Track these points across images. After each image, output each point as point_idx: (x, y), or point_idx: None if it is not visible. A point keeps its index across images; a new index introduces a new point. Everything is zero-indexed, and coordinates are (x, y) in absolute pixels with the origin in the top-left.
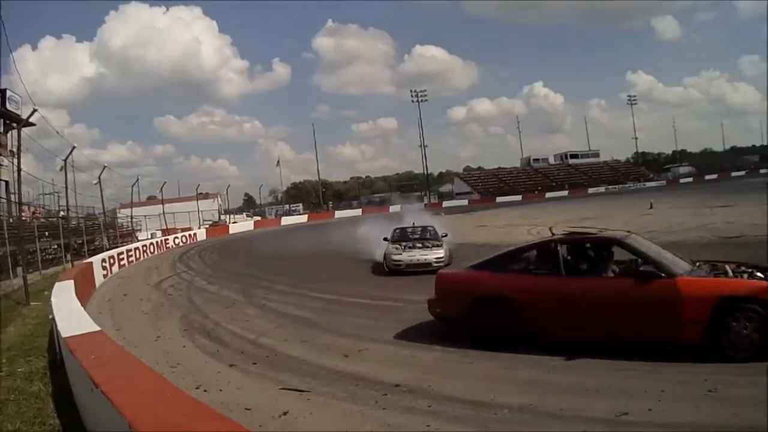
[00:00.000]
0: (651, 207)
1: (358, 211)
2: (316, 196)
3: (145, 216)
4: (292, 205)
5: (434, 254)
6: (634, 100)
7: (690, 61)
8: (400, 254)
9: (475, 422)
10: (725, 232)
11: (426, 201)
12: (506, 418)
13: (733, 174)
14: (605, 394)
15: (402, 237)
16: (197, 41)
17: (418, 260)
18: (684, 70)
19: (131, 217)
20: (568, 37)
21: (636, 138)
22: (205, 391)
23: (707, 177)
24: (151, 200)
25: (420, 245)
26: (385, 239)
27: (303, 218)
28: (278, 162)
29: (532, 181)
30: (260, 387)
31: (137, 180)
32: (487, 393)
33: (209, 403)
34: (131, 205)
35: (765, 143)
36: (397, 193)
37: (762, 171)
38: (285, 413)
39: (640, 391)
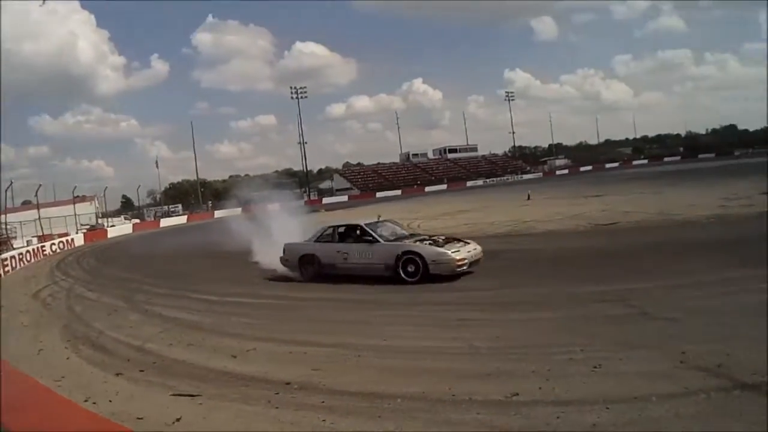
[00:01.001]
0: (528, 198)
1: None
2: (195, 196)
3: (20, 222)
4: (171, 206)
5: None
6: (512, 96)
7: (566, 60)
8: (457, 251)
9: (368, 413)
10: (600, 220)
11: (306, 198)
12: (399, 407)
13: (607, 166)
14: (496, 378)
15: (391, 233)
16: (74, 35)
17: (474, 254)
18: (560, 68)
19: (5, 224)
20: (449, 35)
21: (513, 132)
22: (94, 403)
23: (582, 169)
24: (26, 205)
25: (438, 239)
26: (371, 238)
27: (182, 219)
28: (156, 162)
29: (412, 175)
30: (150, 394)
31: (11, 184)
32: (379, 384)
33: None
34: (5, 211)
35: (637, 136)
36: (275, 191)
37: (634, 162)
38: (178, 419)
39: (529, 372)
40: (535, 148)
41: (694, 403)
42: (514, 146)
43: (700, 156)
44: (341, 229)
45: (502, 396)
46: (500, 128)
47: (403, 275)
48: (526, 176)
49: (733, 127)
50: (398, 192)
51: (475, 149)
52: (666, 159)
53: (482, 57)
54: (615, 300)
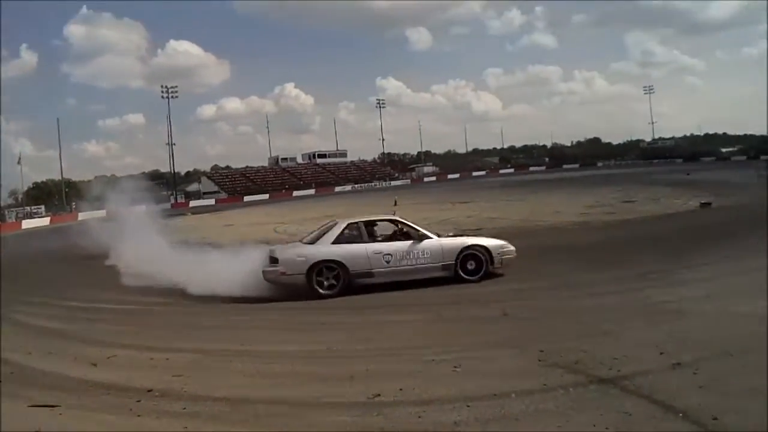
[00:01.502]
0: (395, 204)
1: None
2: (59, 197)
3: None
4: (33, 208)
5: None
6: (383, 104)
7: (439, 71)
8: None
9: (232, 419)
10: (466, 226)
11: (172, 201)
12: (263, 412)
13: (474, 174)
14: (359, 380)
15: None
16: None
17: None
18: (433, 78)
19: None
20: (324, 40)
21: (383, 139)
22: None
23: (450, 176)
24: None
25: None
26: (419, 235)
27: (45, 221)
28: (19, 160)
29: (280, 180)
30: (7, 407)
31: None
32: (243, 389)
33: None
34: None
35: (504, 146)
36: (141, 193)
37: (501, 171)
38: None
39: (392, 373)
40: (404, 155)
41: (552, 399)
42: (383, 153)
43: (565, 166)
44: (370, 226)
45: (364, 397)
46: (370, 135)
47: (463, 274)
48: (394, 182)
49: (597, 140)
50: (266, 196)
51: (344, 155)
52: (532, 168)
53: (356, 64)
54: (476, 302)
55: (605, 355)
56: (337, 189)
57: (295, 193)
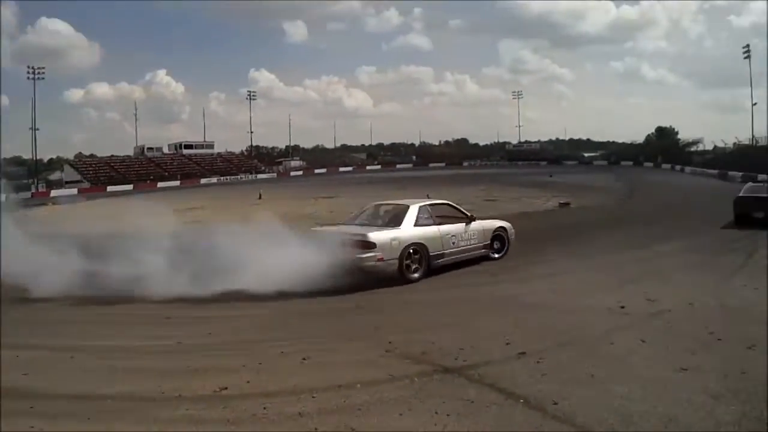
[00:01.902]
0: (260, 197)
1: None
2: None
3: None
4: None
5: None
6: (254, 96)
7: (313, 65)
8: None
9: (78, 416)
10: (328, 220)
11: (33, 189)
12: (108, 408)
13: (341, 169)
14: (204, 373)
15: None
16: None
17: None
18: (306, 73)
19: None
20: (198, 27)
21: (251, 132)
22: None
23: (317, 171)
24: None
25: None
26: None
27: None
28: None
29: (145, 170)
30: None
31: None
32: (87, 385)
33: None
34: None
35: (373, 143)
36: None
37: (368, 168)
38: None
39: (239, 366)
40: (273, 148)
41: (396, 388)
42: (251, 145)
43: (431, 165)
44: (433, 209)
45: (210, 391)
46: (239, 127)
47: (492, 254)
48: (260, 176)
49: (464, 140)
50: (130, 187)
51: (211, 146)
52: (399, 166)
53: (230, 54)
54: (330, 294)
55: (452, 345)
56: (203, 181)
57: (160, 185)
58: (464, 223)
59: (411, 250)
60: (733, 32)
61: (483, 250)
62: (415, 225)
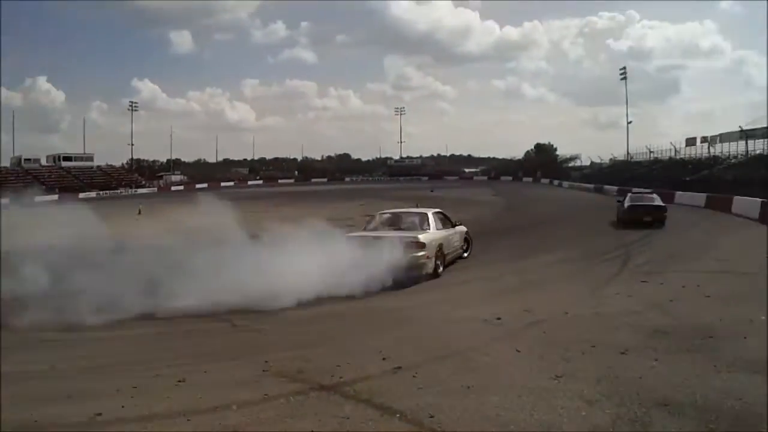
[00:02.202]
0: (139, 213)
1: None
2: None
3: None
4: None
5: None
6: (136, 106)
7: (197, 77)
8: None
9: None
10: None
11: None
12: None
13: (223, 184)
14: (78, 399)
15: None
16: None
17: None
18: (190, 84)
19: None
20: (84, 33)
21: (132, 144)
22: None
23: (198, 186)
24: None
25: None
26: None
27: None
28: None
29: (22, 182)
30: None
31: None
32: None
33: None
34: None
35: (255, 158)
36: None
37: (250, 183)
38: None
39: (113, 390)
40: (154, 161)
41: (272, 408)
42: (132, 158)
43: (314, 180)
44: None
45: (86, 417)
46: (120, 138)
47: (463, 253)
48: (141, 190)
49: (347, 155)
50: (7, 201)
51: (91, 158)
52: (281, 181)
53: (114, 62)
54: (204, 315)
55: (328, 363)
56: (82, 195)
57: (37, 199)
58: (452, 228)
59: (437, 250)
60: (611, 54)
61: (461, 250)
62: (435, 228)
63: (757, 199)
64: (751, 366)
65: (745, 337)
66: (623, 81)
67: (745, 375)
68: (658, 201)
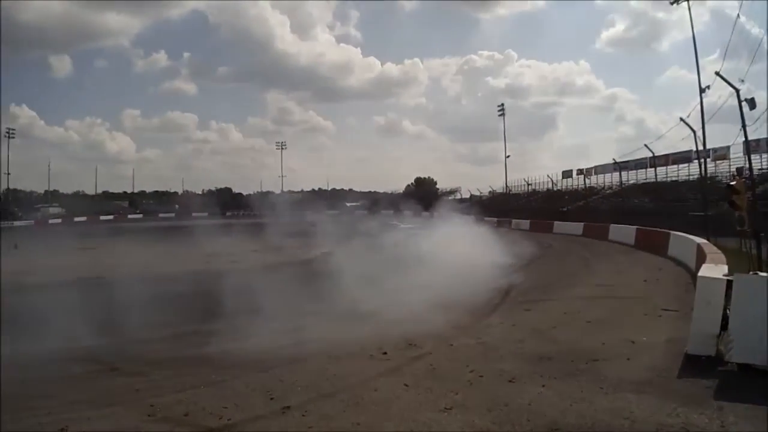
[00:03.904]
0: (16, 247)
1: None
2: None
3: None
4: None
5: None
6: (13, 134)
7: (77, 104)
8: None
9: None
10: (85, 273)
11: None
12: None
13: (102, 218)
14: None
15: None
16: None
17: None
18: (68, 112)
19: None
20: None
21: (8, 174)
22: None
23: (77, 219)
24: None
25: None
26: None
27: None
28: None
29: None
30: None
31: None
32: None
33: None
34: None
35: (135, 191)
36: None
37: (130, 216)
38: None
39: None
40: (30, 192)
41: None
42: (8, 188)
43: (194, 214)
44: None
45: None
46: None
47: None
48: (17, 223)
49: (228, 189)
50: None
51: None
52: (161, 215)
53: None
54: (83, 358)
55: (215, 404)
56: None
57: None
58: None
59: None
60: (490, 91)
61: None
62: None
63: (633, 226)
64: (637, 386)
65: (628, 359)
66: (501, 117)
67: (631, 395)
68: None
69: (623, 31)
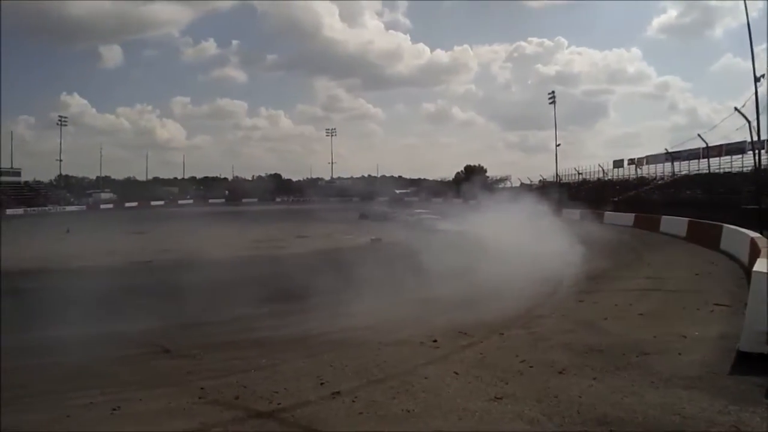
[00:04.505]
0: (68, 232)
1: None
2: None
3: None
4: None
5: None
6: (65, 121)
7: (127, 92)
8: None
9: None
10: (136, 256)
11: None
12: None
13: (153, 203)
14: (7, 429)
15: None
16: None
17: None
18: (119, 100)
19: None
20: (11, 44)
21: (61, 160)
22: None
23: (128, 204)
24: None
25: None
26: None
27: None
28: None
29: None
30: None
31: None
32: None
33: None
34: None
35: (185, 177)
36: None
37: (180, 202)
38: None
39: (45, 419)
40: (83, 178)
41: None
42: (60, 174)
43: (244, 200)
44: None
45: None
46: (47, 153)
47: None
48: (69, 208)
49: (278, 176)
50: None
51: (18, 173)
52: (211, 201)
53: (41, 75)
54: (135, 340)
55: (265, 388)
56: (10, 212)
57: None
58: None
59: None
60: (540, 79)
61: None
62: None
63: (684, 218)
64: (688, 381)
65: (679, 353)
66: (552, 105)
67: (682, 390)
68: None
69: (676, 18)
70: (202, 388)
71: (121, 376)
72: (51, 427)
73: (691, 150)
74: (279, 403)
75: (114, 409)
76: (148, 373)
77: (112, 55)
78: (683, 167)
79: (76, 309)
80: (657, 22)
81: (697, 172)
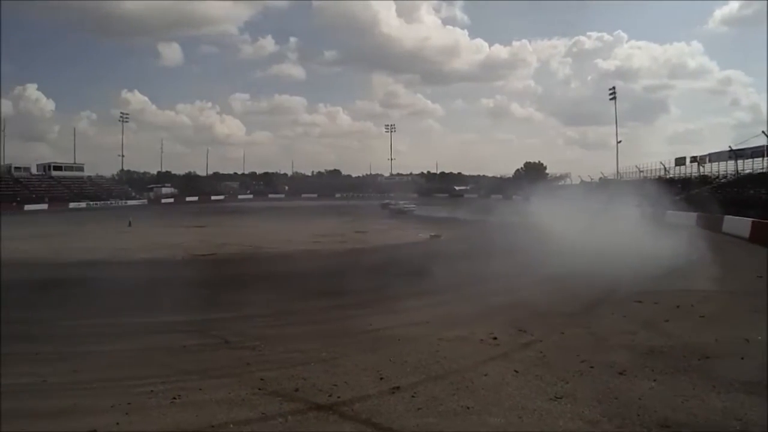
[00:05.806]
0: (130, 225)
1: None
2: None
3: None
4: None
5: None
6: (126, 118)
7: (186, 89)
8: None
9: None
10: (198, 250)
11: None
12: None
13: (213, 198)
14: (72, 415)
15: None
16: None
17: None
18: (178, 97)
19: None
20: (73, 42)
21: (122, 156)
22: None
23: (188, 199)
24: None
25: None
26: None
27: None
28: None
29: (12, 191)
30: None
31: None
32: None
33: None
34: None
35: (245, 172)
36: None
37: (240, 197)
38: None
39: (107, 407)
40: (144, 173)
41: (270, 427)
42: (122, 169)
43: (304, 196)
44: None
45: None
46: (109, 149)
47: None
48: (131, 202)
49: (337, 172)
50: None
51: (81, 168)
52: (271, 196)
53: (103, 72)
54: (196, 330)
55: (325, 381)
56: (72, 205)
57: (27, 207)
58: None
59: None
60: (599, 74)
61: None
62: None
63: (748, 218)
64: (750, 386)
65: (742, 358)
66: (612, 101)
67: (744, 395)
68: None
69: (738, 10)
70: (261, 380)
71: (181, 366)
72: (113, 413)
73: (755, 148)
74: (339, 397)
75: (174, 398)
76: (208, 363)
77: (171, 52)
78: (747, 165)
79: (138, 299)
80: (719, 14)
81: (762, 170)
